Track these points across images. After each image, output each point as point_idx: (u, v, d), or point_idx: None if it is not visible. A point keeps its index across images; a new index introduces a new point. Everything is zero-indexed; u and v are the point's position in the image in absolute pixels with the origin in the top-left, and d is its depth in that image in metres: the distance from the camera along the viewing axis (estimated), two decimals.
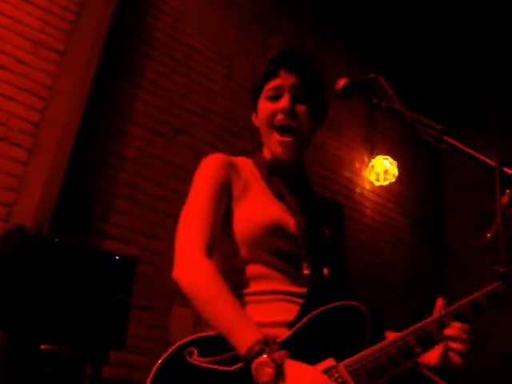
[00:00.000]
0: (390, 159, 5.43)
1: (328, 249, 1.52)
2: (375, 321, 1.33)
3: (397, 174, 5.42)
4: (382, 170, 5.41)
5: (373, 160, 5.48)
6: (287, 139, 1.50)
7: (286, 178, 1.56)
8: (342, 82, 1.30)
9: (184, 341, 1.19)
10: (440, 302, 1.33)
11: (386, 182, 5.44)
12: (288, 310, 1.33)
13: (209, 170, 1.50)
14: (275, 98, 1.51)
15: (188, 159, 3.83)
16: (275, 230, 1.41)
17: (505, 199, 0.93)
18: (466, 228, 5.84)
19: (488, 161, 0.98)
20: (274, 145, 1.52)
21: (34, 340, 2.33)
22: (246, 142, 4.06)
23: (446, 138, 1.05)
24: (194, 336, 1.21)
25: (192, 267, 1.31)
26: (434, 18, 5.71)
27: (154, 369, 1.13)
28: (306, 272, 1.40)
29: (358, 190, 5.38)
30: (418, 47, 5.97)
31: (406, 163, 5.81)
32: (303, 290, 1.38)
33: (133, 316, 2.67)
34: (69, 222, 3.14)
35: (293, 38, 5.04)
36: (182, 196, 1.52)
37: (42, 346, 2.27)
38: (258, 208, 1.45)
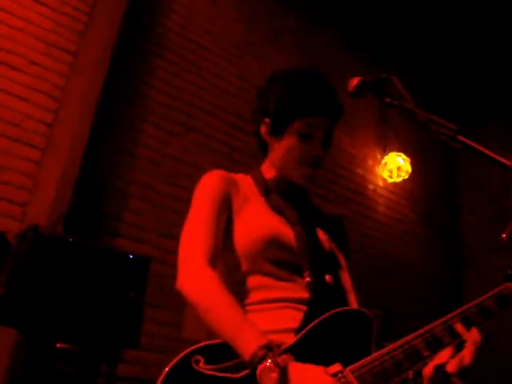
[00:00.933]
0: (403, 156, 5.40)
1: (329, 257, 1.53)
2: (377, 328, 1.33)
3: (410, 170, 5.38)
4: (394, 166, 5.38)
5: (386, 157, 5.45)
6: (310, 174, 1.54)
7: (285, 193, 1.58)
8: (355, 81, 1.30)
9: (190, 349, 1.19)
10: None
11: (399, 179, 5.41)
12: (292, 318, 1.33)
13: (210, 184, 1.51)
14: (308, 136, 1.51)
15: (201, 157, 3.83)
16: (274, 242, 1.42)
17: None
18: (480, 225, 5.80)
19: (504, 160, 0.97)
20: (298, 176, 1.54)
21: (49, 339, 2.35)
22: None
23: (460, 137, 1.04)
24: (200, 344, 1.21)
25: (195, 276, 1.33)
26: (437, 26, 5.68)
27: (161, 378, 1.13)
28: (308, 279, 1.40)
29: (370, 186, 5.36)
30: (428, 53, 5.93)
31: (419, 160, 5.77)
32: (306, 297, 1.38)
33: (146, 314, 2.68)
34: (82, 222, 3.16)
35: (302, 37, 5.03)
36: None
37: (58, 345, 2.29)
38: (256, 221, 1.46)
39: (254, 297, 1.41)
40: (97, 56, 3.41)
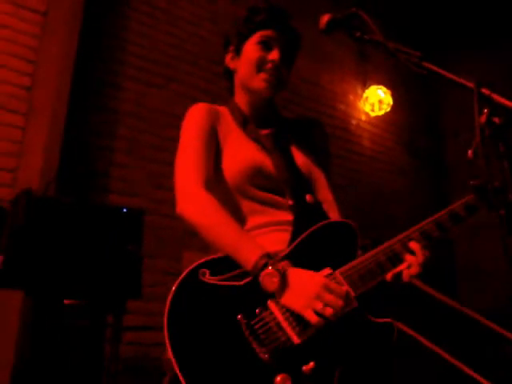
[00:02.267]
0: (384, 88, 5.41)
1: (307, 177, 1.65)
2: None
3: (391, 102, 5.41)
4: (376, 100, 5.40)
5: (366, 91, 5.47)
6: (273, 79, 1.62)
7: (260, 119, 1.70)
8: (325, 19, 1.33)
9: (196, 264, 1.30)
10: None
11: (382, 112, 5.45)
12: (280, 240, 1.44)
13: (196, 116, 1.63)
14: (266, 46, 1.63)
15: (182, 107, 3.78)
16: (257, 171, 1.54)
17: (483, 118, 1.00)
18: (464, 150, 5.86)
19: (466, 83, 1.03)
20: (259, 80, 1.63)
21: (56, 297, 2.43)
22: None
23: (425, 63, 1.10)
24: (205, 259, 1.32)
25: (193, 198, 1.43)
26: None
27: (172, 291, 1.25)
28: (290, 202, 1.53)
29: (353, 121, 5.39)
30: None
31: (401, 91, 5.78)
32: (291, 219, 1.49)
33: (146, 265, 2.76)
34: (73, 182, 3.20)
35: None
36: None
37: (65, 302, 2.38)
38: (239, 154, 1.57)
39: (246, 224, 1.52)
40: (68, 13, 3.35)
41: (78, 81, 3.32)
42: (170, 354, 1.16)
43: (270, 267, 1.25)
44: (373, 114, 5.48)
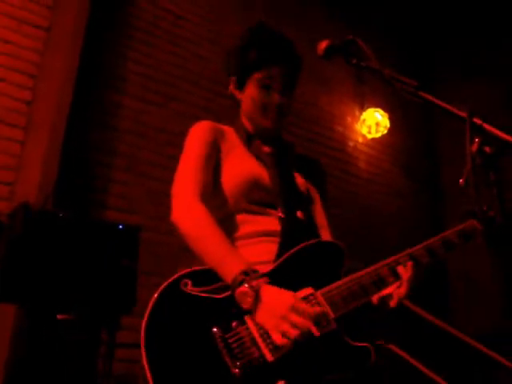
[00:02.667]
0: (381, 111, 5.45)
1: (303, 197, 1.69)
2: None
3: (388, 125, 5.44)
4: (373, 122, 5.43)
5: (364, 113, 5.50)
6: (278, 116, 1.69)
7: (264, 140, 1.75)
8: (323, 45, 1.37)
9: (180, 274, 1.32)
10: None
11: (379, 135, 5.47)
12: (268, 251, 1.47)
13: (199, 133, 1.67)
14: (267, 87, 1.67)
15: (182, 125, 3.80)
16: (253, 184, 1.58)
17: (474, 147, 1.03)
18: (459, 176, 5.88)
19: (459, 113, 1.06)
20: (264, 120, 1.70)
21: (49, 311, 2.42)
22: None
23: (420, 93, 1.13)
24: (189, 270, 1.34)
25: (186, 209, 1.47)
26: None
27: (153, 299, 1.27)
28: (280, 215, 1.55)
29: (351, 143, 5.42)
30: None
31: (398, 114, 5.81)
32: (279, 230, 1.52)
33: (143, 282, 2.75)
34: (71, 197, 3.20)
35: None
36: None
37: (59, 316, 2.37)
38: (239, 167, 1.62)
39: (237, 232, 1.55)
40: (70, 30, 3.39)
41: (78, 97, 3.35)
42: (144, 362, 1.16)
43: (245, 285, 1.26)
44: (370, 137, 5.51)
